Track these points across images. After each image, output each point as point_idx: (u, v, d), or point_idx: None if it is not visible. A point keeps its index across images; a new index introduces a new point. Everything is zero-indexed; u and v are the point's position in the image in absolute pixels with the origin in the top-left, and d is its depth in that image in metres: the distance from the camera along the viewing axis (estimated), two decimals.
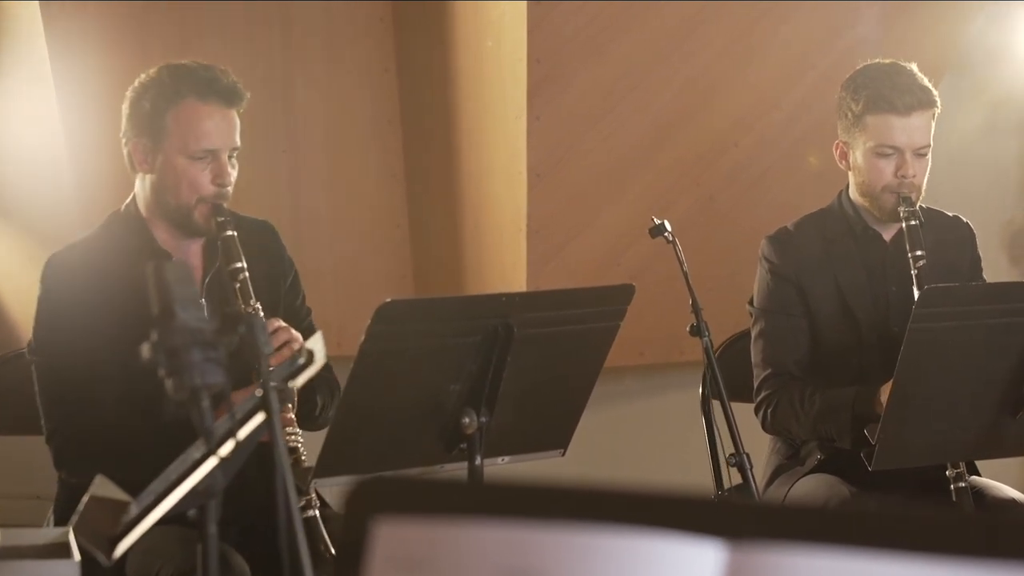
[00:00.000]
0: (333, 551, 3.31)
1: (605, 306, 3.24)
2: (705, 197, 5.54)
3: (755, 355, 4.01)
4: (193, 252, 3.66)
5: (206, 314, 2.26)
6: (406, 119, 5.82)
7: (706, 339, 3.56)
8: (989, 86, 5.73)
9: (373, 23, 5.76)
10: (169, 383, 2.24)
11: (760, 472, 3.95)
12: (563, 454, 3.38)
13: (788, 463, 4.01)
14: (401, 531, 1.19)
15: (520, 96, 5.34)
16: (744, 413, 4.01)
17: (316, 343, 2.55)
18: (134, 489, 2.61)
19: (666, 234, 3.59)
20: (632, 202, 5.52)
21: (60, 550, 3.05)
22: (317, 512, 3.34)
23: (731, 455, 3.55)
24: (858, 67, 4.04)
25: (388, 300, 3.01)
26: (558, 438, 3.37)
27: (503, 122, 5.46)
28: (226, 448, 2.29)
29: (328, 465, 3.11)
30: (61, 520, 3.63)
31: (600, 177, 5.49)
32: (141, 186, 3.66)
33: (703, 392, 4.20)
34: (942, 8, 5.61)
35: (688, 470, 6.17)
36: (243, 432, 2.28)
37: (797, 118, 5.57)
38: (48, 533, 3.11)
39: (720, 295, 5.13)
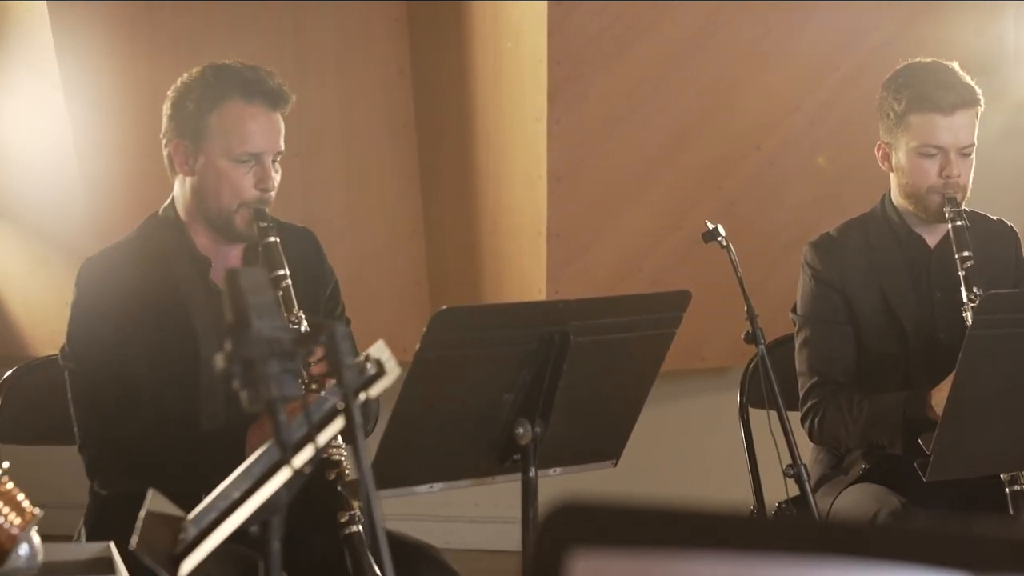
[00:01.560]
0: (377, 569, 3.21)
1: (662, 313, 3.15)
2: (727, 201, 5.46)
3: (800, 364, 3.92)
4: (233, 258, 3.55)
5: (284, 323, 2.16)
6: (421, 121, 5.73)
7: (762, 347, 3.46)
8: (1014, 87, 5.65)
9: (388, 24, 5.67)
10: (244, 395, 2.14)
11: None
12: (615, 465, 3.29)
13: (831, 473, 3.91)
14: (602, 564, 1.09)
15: (540, 98, 5.25)
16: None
17: (382, 352, 2.45)
18: (173, 500, 2.53)
19: (720, 239, 3.50)
20: (653, 205, 5.45)
21: (103, 565, 2.95)
22: (360, 527, 3.24)
23: (788, 466, 3.45)
24: (899, 66, 3.95)
25: (444, 308, 2.91)
26: (611, 448, 3.27)
27: (522, 125, 5.37)
28: (303, 458, 2.19)
29: (379, 477, 3.00)
30: (92, 532, 3.52)
31: (621, 180, 5.41)
32: (180, 189, 3.53)
33: (741, 400, 4.12)
34: (967, 8, 5.54)
35: (711, 478, 6.09)
36: (322, 439, 2.19)
37: (820, 120, 5.49)
38: (89, 548, 3.01)
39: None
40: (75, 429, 3.47)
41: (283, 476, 2.28)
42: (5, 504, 2.52)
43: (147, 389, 3.40)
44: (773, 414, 4.05)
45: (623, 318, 3.10)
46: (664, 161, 5.42)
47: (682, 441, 5.88)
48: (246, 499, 2.39)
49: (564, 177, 5.30)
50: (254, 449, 3.34)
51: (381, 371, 2.40)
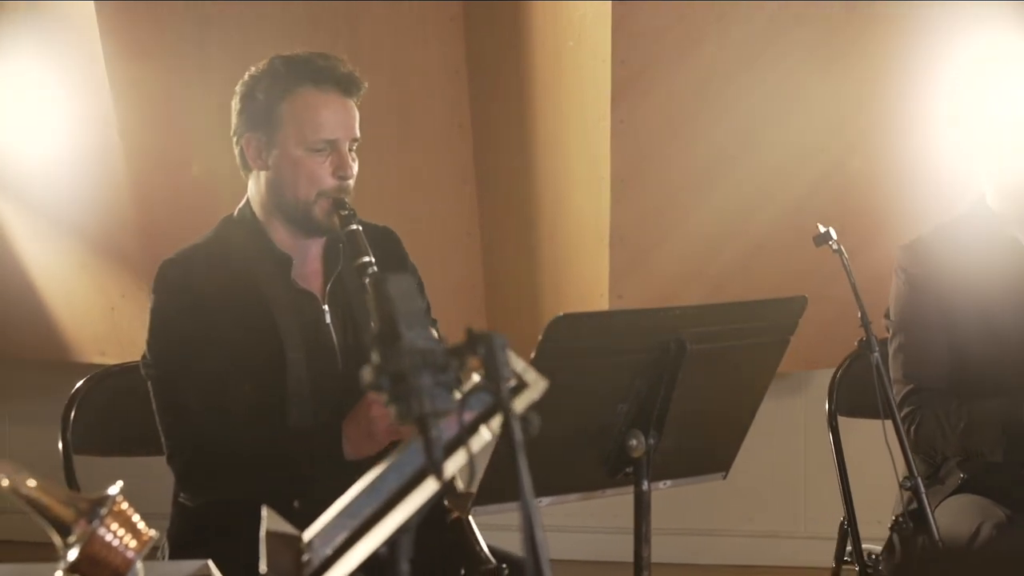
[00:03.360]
0: (485, 547, 3.09)
1: (777, 320, 3.03)
2: (792, 205, 5.33)
3: (894, 370, 3.80)
4: (313, 254, 3.44)
5: (436, 333, 2.04)
6: (477, 123, 5.62)
7: (876, 355, 3.34)
8: None
9: (443, 23, 5.57)
10: (393, 410, 2.02)
11: (896, 493, 3.72)
12: (725, 477, 3.17)
13: (927, 483, 3.78)
14: None
15: (603, 99, 5.14)
16: (864, 430, 3.82)
17: (516, 363, 2.33)
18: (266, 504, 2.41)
19: (831, 243, 3.38)
20: (717, 209, 5.33)
21: None
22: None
23: (905, 478, 3.34)
24: (987, 65, 3.85)
25: (561, 314, 2.79)
26: (721, 460, 3.16)
27: (583, 126, 5.26)
28: (454, 467, 2.08)
29: (491, 491, 2.89)
30: (176, 547, 3.41)
31: (685, 183, 5.30)
32: (255, 186, 3.41)
33: (830, 408, 4.01)
34: (1015, 8, 5.42)
35: (772, 484, 5.99)
36: (476, 444, 2.07)
37: (885, 123, 5.37)
38: (187, 567, 2.88)
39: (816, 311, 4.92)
40: (162, 439, 3.35)
41: (428, 491, 2.17)
42: (121, 526, 2.39)
43: (234, 393, 3.28)
44: (851, 421, 3.97)
45: (740, 325, 2.98)
46: (729, 163, 5.30)
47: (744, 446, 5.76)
48: (380, 518, 2.27)
49: (628, 179, 5.19)
50: (352, 442, 3.25)
51: (522, 383, 2.29)
